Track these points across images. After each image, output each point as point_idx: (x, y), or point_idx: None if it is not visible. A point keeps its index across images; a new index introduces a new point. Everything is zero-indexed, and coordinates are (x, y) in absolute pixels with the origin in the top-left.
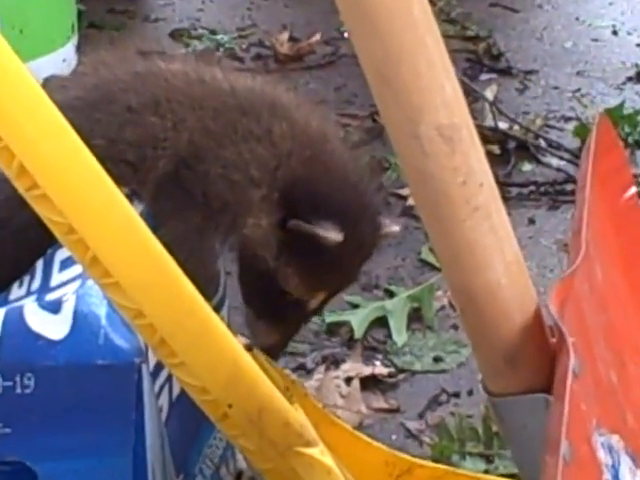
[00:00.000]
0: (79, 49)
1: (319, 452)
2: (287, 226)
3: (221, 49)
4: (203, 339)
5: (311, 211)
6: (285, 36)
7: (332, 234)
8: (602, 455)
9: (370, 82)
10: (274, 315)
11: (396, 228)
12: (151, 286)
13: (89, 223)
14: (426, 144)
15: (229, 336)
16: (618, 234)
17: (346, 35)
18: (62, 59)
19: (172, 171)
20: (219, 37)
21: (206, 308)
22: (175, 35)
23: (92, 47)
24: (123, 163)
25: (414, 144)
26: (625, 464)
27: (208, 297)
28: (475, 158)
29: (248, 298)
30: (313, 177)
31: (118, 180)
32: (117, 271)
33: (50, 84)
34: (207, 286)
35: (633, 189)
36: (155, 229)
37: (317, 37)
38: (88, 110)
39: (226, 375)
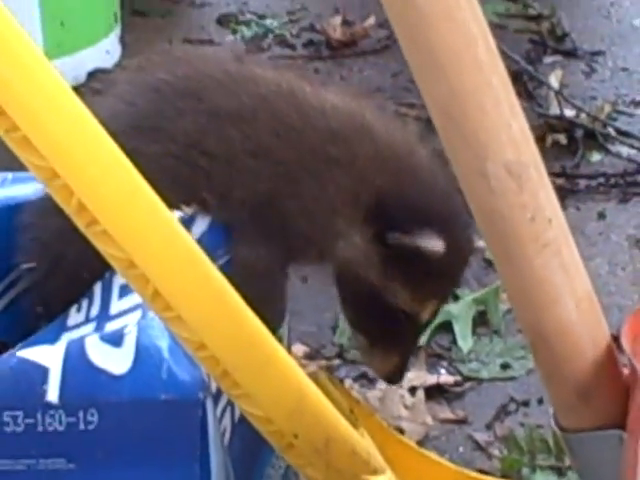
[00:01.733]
0: (122, 39)
1: None
2: (387, 241)
3: (270, 35)
4: (267, 370)
5: (406, 220)
6: (337, 20)
7: (434, 243)
8: None
9: (434, 119)
10: (389, 338)
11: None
12: (213, 319)
13: (150, 258)
14: (493, 181)
15: (293, 365)
16: None
17: None
18: (105, 51)
19: (252, 201)
20: (268, 22)
21: (269, 338)
22: (222, 21)
23: (136, 36)
24: (198, 168)
25: (481, 182)
26: None
27: (275, 328)
28: (543, 195)
29: (358, 326)
30: (402, 187)
31: (190, 187)
32: (179, 304)
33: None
34: (276, 317)
35: None
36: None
37: (371, 20)
38: (174, 97)
39: (291, 405)
